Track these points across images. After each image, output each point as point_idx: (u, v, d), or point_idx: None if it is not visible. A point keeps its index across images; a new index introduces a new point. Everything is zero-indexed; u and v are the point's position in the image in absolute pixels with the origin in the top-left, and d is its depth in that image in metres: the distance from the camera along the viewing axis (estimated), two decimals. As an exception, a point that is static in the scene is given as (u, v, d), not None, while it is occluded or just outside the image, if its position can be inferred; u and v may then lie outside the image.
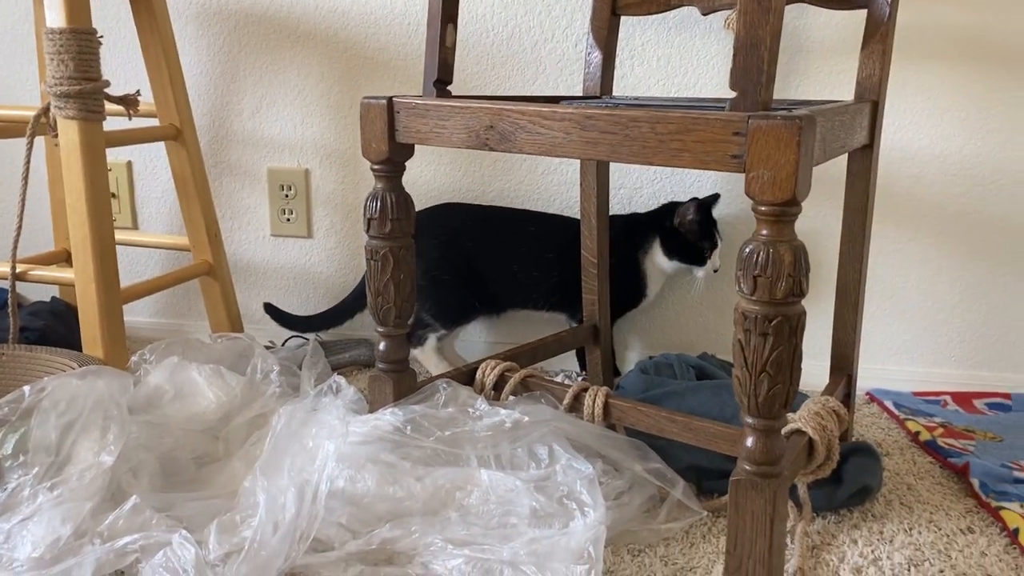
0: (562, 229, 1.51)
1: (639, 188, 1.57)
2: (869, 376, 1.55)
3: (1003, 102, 1.43)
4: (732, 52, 0.81)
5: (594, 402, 1.14)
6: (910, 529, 1.08)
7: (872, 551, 1.03)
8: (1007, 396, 1.51)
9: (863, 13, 1.14)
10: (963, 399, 1.51)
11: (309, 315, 1.63)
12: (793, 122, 0.76)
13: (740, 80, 0.81)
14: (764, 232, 0.79)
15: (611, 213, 1.46)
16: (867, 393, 1.54)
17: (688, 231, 1.43)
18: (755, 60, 0.80)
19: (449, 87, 1.09)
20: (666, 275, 1.51)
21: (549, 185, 1.59)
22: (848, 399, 1.25)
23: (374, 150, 1.05)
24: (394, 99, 1.03)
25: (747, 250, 0.80)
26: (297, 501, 0.98)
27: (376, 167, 1.06)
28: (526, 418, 1.06)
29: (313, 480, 1.01)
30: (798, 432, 1.02)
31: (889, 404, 1.48)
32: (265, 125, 1.67)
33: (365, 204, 1.07)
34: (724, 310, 1.59)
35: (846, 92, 1.45)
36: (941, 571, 0.99)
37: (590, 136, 0.88)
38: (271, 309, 1.62)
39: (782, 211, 0.78)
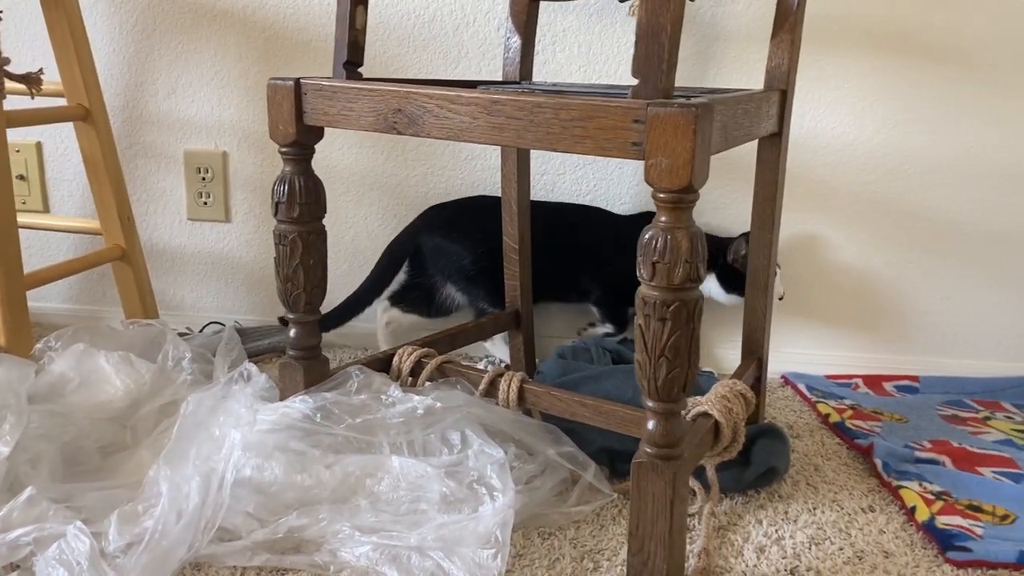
0: (602, 222, 1.52)
1: (562, 174, 1.58)
2: (784, 360, 1.59)
3: (912, 91, 1.47)
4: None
5: (509, 387, 1.14)
6: (814, 509, 1.11)
7: (776, 531, 1.06)
8: (915, 379, 1.56)
9: (774, 1, 1.16)
10: (874, 382, 1.56)
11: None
12: (690, 110, 0.76)
13: (641, 68, 0.82)
14: (663, 219, 0.80)
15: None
16: (782, 376, 1.58)
17: (743, 266, 1.39)
18: (656, 48, 0.80)
19: (360, 69, 1.07)
20: (720, 305, 1.49)
21: (473, 171, 1.59)
22: (759, 382, 1.28)
23: (281, 132, 1.03)
24: (301, 81, 1.01)
25: (646, 236, 0.81)
26: (202, 490, 0.97)
27: (284, 150, 1.04)
28: (439, 404, 1.06)
29: (219, 469, 0.99)
30: (704, 415, 1.04)
31: (802, 387, 1.51)
32: (181, 106, 1.63)
33: (273, 188, 1.05)
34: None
35: (763, 81, 1.47)
36: (841, 549, 1.02)
37: (496, 121, 0.88)
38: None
39: (679, 198, 0.79)
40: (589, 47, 1.51)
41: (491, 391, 1.16)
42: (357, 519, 0.98)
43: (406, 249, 1.53)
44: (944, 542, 1.02)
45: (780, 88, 1.15)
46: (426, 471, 1.01)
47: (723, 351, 1.60)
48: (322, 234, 1.08)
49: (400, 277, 1.55)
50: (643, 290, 0.82)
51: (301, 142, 1.03)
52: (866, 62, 1.47)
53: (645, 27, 0.80)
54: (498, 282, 1.46)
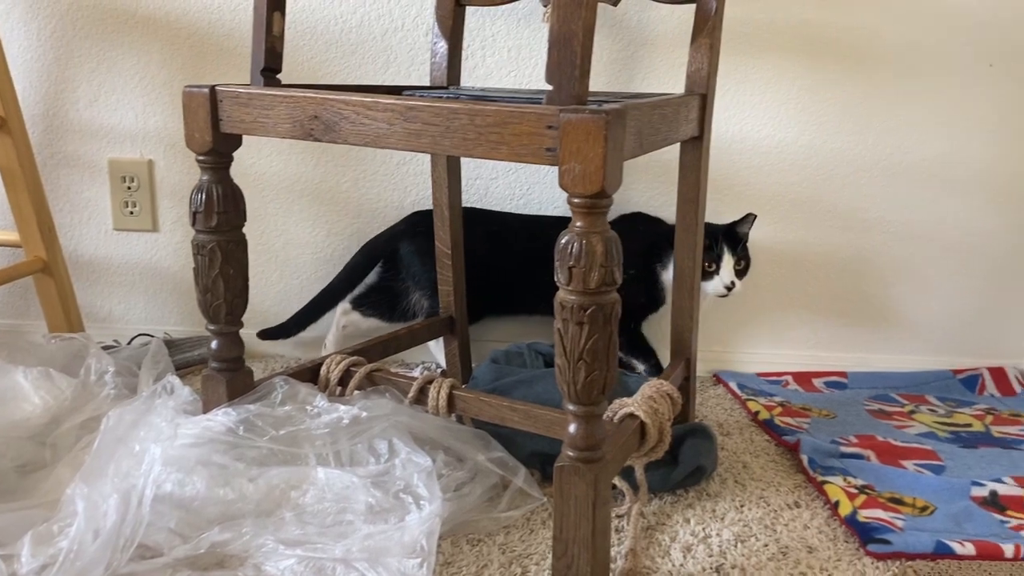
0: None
1: (495, 179, 1.58)
2: (716, 359, 1.61)
3: (834, 94, 1.51)
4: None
5: (438, 394, 1.14)
6: (741, 506, 1.13)
7: (703, 529, 1.07)
8: (844, 375, 1.60)
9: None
10: (803, 379, 1.59)
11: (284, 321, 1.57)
12: (600, 116, 0.77)
13: (555, 74, 0.82)
14: (578, 224, 0.81)
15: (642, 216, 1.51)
16: (714, 375, 1.60)
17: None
18: (568, 54, 0.81)
19: (285, 75, 1.06)
20: (717, 296, 1.47)
21: (405, 176, 1.58)
22: (688, 382, 1.29)
23: (198, 141, 1.01)
24: (217, 88, 1.00)
25: (562, 242, 0.81)
26: (120, 508, 0.94)
27: (201, 158, 1.02)
28: (364, 414, 1.05)
29: (139, 485, 0.97)
30: (631, 416, 1.05)
31: (733, 385, 1.53)
32: (104, 114, 1.59)
33: (191, 197, 1.03)
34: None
35: (689, 84, 1.49)
36: (766, 545, 1.04)
37: (413, 127, 0.88)
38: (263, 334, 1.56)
39: (593, 203, 0.80)
40: (519, 52, 1.52)
41: (421, 399, 1.15)
42: (282, 532, 0.96)
43: (384, 251, 1.53)
44: (864, 535, 1.04)
45: (700, 92, 1.16)
46: (352, 481, 1.00)
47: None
48: (242, 243, 1.06)
49: (368, 279, 1.55)
50: (560, 295, 0.83)
51: (218, 150, 1.02)
52: (790, 65, 1.50)
53: (557, 34, 0.81)
54: (472, 292, 1.47)
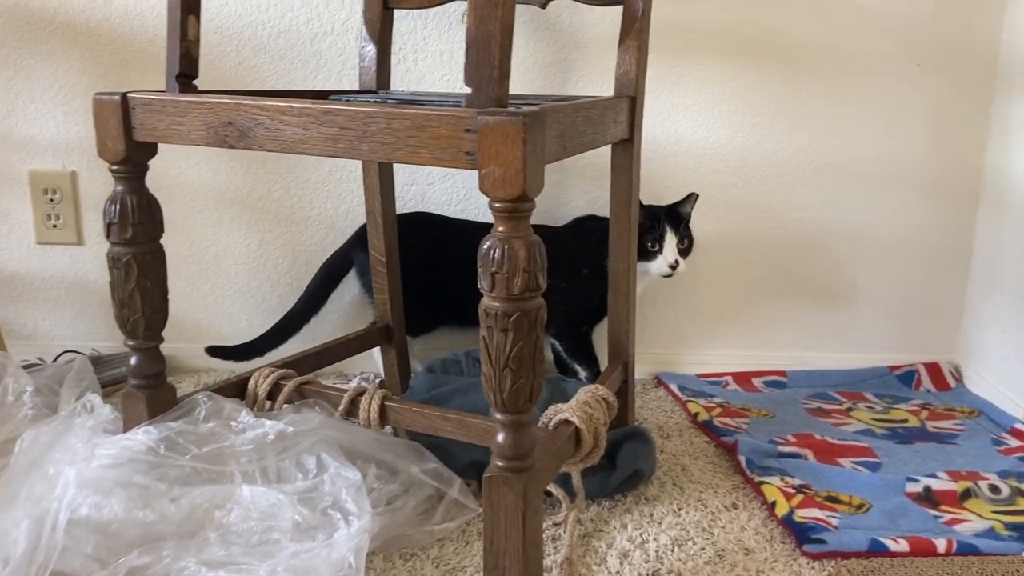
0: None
1: (431, 184, 1.55)
2: (657, 361, 1.61)
3: (767, 95, 1.51)
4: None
5: (369, 406, 1.11)
6: (679, 509, 1.12)
7: (640, 534, 1.06)
8: (783, 374, 1.60)
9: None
10: (743, 379, 1.59)
11: (252, 340, 1.48)
12: (518, 119, 0.75)
13: (473, 76, 0.80)
14: (500, 229, 0.79)
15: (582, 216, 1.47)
16: (655, 377, 1.60)
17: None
18: (486, 55, 0.79)
19: (209, 81, 1.03)
20: (660, 277, 1.44)
21: (338, 183, 1.55)
22: (626, 385, 1.28)
23: (110, 150, 0.97)
24: (128, 95, 0.96)
25: (484, 247, 0.79)
26: (32, 534, 0.90)
27: (114, 168, 0.99)
28: (291, 428, 1.02)
29: (52, 509, 0.93)
30: (565, 422, 1.04)
31: (674, 387, 1.53)
32: (23, 124, 1.53)
33: (104, 208, 0.99)
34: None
35: (622, 87, 1.48)
36: (703, 549, 1.03)
37: (330, 132, 0.85)
38: (216, 351, 1.46)
39: (514, 207, 0.78)
40: (451, 55, 1.50)
41: (352, 411, 1.12)
42: (205, 553, 0.93)
43: (342, 265, 1.49)
44: (800, 536, 1.04)
45: (629, 95, 1.16)
46: (278, 499, 0.97)
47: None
48: (159, 255, 1.02)
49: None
50: (485, 302, 0.81)
51: (132, 159, 0.98)
52: (722, 67, 1.50)
53: (474, 35, 0.79)
54: (424, 301, 1.44)
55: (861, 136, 1.53)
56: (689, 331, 1.62)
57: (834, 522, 1.07)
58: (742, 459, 1.23)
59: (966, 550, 1.01)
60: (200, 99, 0.92)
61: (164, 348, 1.58)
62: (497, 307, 0.79)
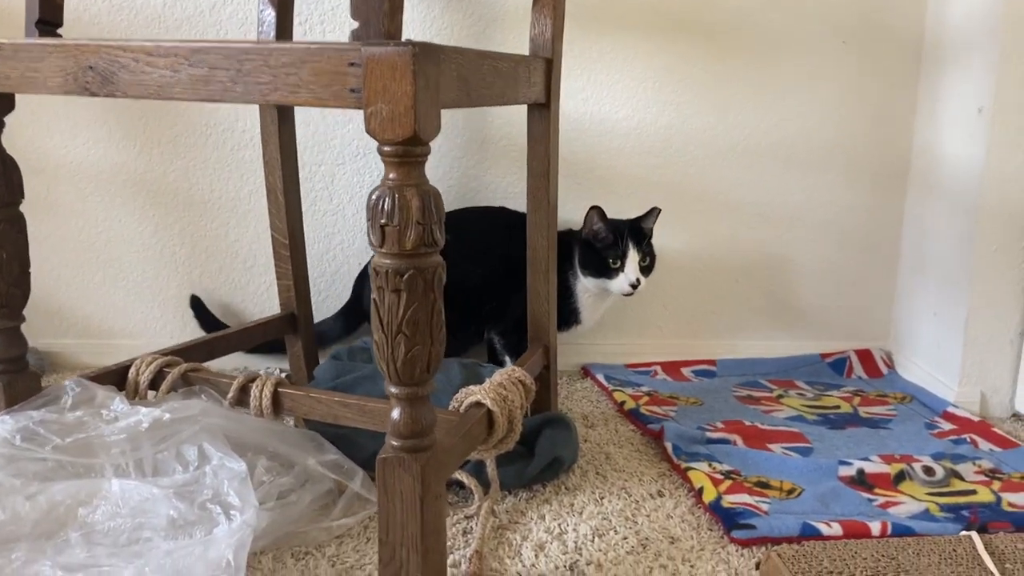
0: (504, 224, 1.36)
1: (341, 164, 1.46)
2: (584, 352, 1.54)
3: (692, 73, 1.46)
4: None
5: (261, 393, 1.01)
6: (601, 499, 1.04)
7: (559, 525, 0.98)
8: (712, 363, 1.55)
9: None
10: (672, 368, 1.53)
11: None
12: (407, 48, 0.67)
13: (361, 8, 0.72)
14: (391, 176, 0.70)
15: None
16: (582, 368, 1.52)
17: (596, 239, 1.30)
18: (375, -16, 0.71)
19: (60, 30, 0.92)
20: (595, 297, 1.36)
21: (240, 162, 1.44)
22: (548, 371, 1.20)
23: (-44, 102, 0.86)
24: (-25, 39, 0.85)
25: (373, 197, 0.71)
26: None
27: (-39, 123, 0.87)
28: (167, 416, 0.92)
29: None
30: (477, 404, 0.95)
31: (600, 377, 1.46)
32: None
33: (-51, 169, 0.88)
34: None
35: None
36: (625, 538, 0.95)
37: (200, 73, 0.76)
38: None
39: (406, 151, 0.69)
40: (362, 28, 1.41)
41: (243, 399, 1.02)
42: (64, 556, 0.82)
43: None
44: (728, 522, 0.97)
45: (544, 56, 1.09)
46: (152, 493, 0.86)
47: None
48: (18, 223, 0.91)
49: None
50: (375, 259, 0.72)
51: (-19, 113, 0.87)
52: (647, 44, 1.45)
53: (360, -39, 0.71)
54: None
55: (788, 115, 1.49)
56: (616, 321, 1.55)
57: (764, 507, 1.00)
58: (668, 445, 1.16)
59: (902, 532, 0.96)
60: (57, 42, 0.81)
61: (47, 344, 1.47)
62: (388, 264, 0.71)
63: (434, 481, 0.77)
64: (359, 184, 1.46)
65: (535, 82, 1.04)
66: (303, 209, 1.34)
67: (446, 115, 1.43)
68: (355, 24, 0.73)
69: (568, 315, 1.35)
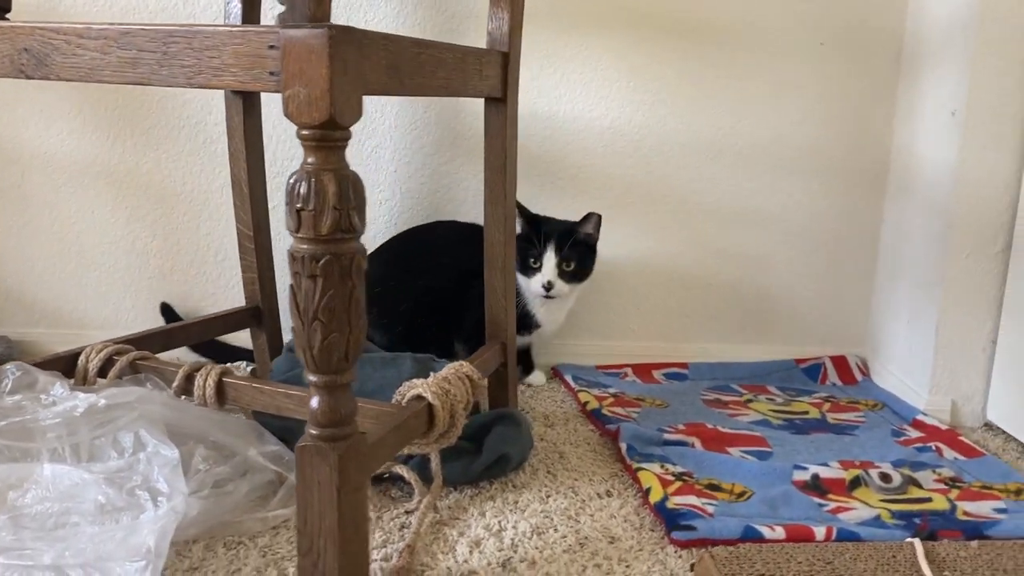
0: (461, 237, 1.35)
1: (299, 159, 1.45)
2: (557, 352, 1.52)
3: (667, 73, 1.45)
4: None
5: (205, 382, 1.01)
6: (547, 497, 1.03)
7: (499, 522, 0.96)
8: (684, 366, 1.53)
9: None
10: (643, 370, 1.51)
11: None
12: (323, 31, 0.67)
13: (287, -9, 0.72)
14: (308, 160, 0.70)
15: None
16: (552, 368, 1.51)
17: (519, 236, 1.27)
18: (300, -33, 0.70)
19: (8, 15, 0.92)
20: (543, 298, 1.33)
21: (212, 155, 1.44)
22: (505, 368, 1.19)
23: None
24: (-86, 21, 0.85)
25: (291, 182, 0.70)
26: None
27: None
28: (103, 402, 0.91)
29: None
30: (418, 398, 0.94)
31: (568, 378, 1.45)
32: None
33: None
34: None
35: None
36: (564, 536, 0.94)
37: (128, 56, 0.76)
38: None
39: (323, 135, 0.69)
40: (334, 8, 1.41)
41: (188, 388, 1.02)
42: (-11, 539, 0.81)
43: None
44: (670, 522, 0.95)
45: (501, 50, 1.08)
46: (83, 478, 0.86)
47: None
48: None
49: None
50: (292, 244, 0.71)
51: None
52: (622, 43, 1.44)
53: (285, -57, 0.70)
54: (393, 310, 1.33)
55: (764, 117, 1.47)
56: (588, 322, 1.53)
57: (710, 509, 0.99)
58: (623, 446, 1.14)
59: (847, 537, 0.94)
60: (-6, 24, 0.82)
61: (19, 333, 1.48)
62: (304, 250, 0.70)
63: (354, 471, 0.76)
64: (331, 179, 1.46)
65: (489, 75, 1.04)
66: (272, 202, 1.34)
67: (415, 111, 1.44)
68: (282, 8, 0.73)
69: (521, 317, 1.32)
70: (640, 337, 1.55)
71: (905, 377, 1.42)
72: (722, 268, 1.53)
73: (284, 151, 1.44)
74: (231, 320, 1.30)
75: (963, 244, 1.29)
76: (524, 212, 1.32)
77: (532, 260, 1.31)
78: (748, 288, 1.54)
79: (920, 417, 1.32)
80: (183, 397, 1.03)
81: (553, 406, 1.35)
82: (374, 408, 0.93)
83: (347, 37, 0.68)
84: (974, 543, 0.90)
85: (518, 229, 1.29)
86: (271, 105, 1.34)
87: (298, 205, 0.69)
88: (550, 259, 1.30)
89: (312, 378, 0.74)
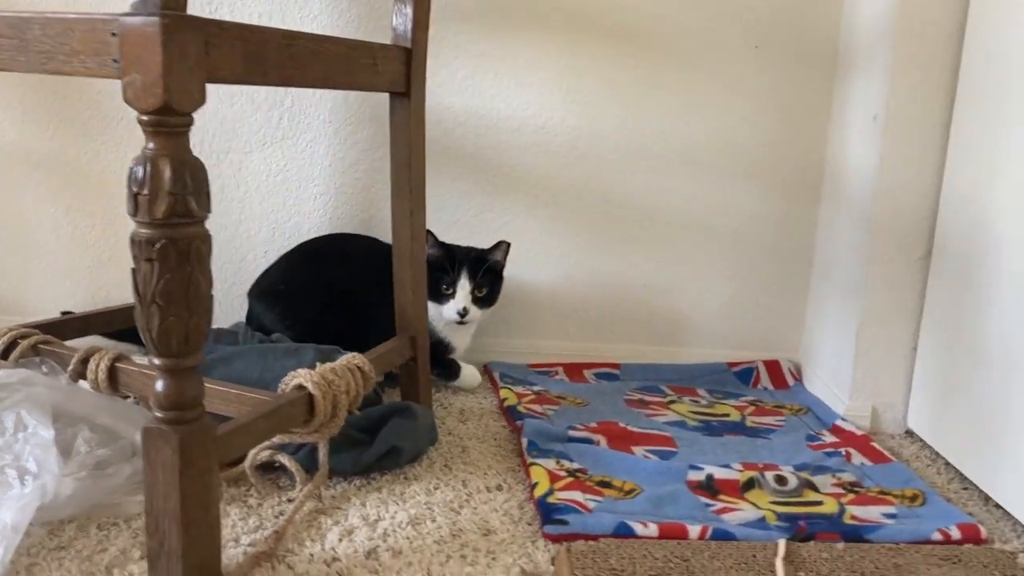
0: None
1: (248, 152, 1.48)
2: (490, 350, 1.53)
3: (601, 75, 1.45)
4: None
5: (97, 367, 1.02)
6: (434, 489, 1.04)
7: (378, 512, 0.97)
8: (616, 366, 1.53)
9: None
10: (574, 370, 1.52)
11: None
12: (155, 19, 0.68)
13: (138, -21, 0.73)
14: (148, 146, 0.71)
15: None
16: (484, 366, 1.52)
17: (430, 262, 1.27)
18: (149, -43, 0.72)
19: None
20: (456, 324, 1.35)
21: (151, 148, 1.46)
22: (415, 362, 1.20)
23: None
24: None
25: (131, 168, 0.71)
26: None
27: None
28: (-17, 382, 0.93)
29: None
30: (299, 387, 0.95)
31: (496, 375, 1.45)
32: None
33: None
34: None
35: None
36: (439, 527, 0.95)
37: (-10, 42, 0.77)
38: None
39: (160, 121, 0.70)
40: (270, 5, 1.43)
41: (83, 372, 1.03)
42: None
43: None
44: (545, 516, 0.96)
45: (403, 46, 1.09)
46: (-47, 456, 0.88)
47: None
48: None
49: None
50: (133, 228, 0.73)
51: None
52: (556, 43, 1.44)
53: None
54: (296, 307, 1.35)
55: (700, 120, 1.47)
56: (522, 320, 1.54)
57: (591, 505, 0.99)
58: (524, 441, 1.15)
59: (721, 537, 0.94)
60: None
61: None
62: (142, 234, 0.72)
63: (200, 455, 0.77)
64: (266, 173, 1.48)
65: (385, 70, 1.05)
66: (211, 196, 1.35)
67: (350, 106, 1.45)
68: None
69: (435, 345, 1.33)
70: (575, 337, 1.55)
71: (831, 383, 1.41)
72: (659, 270, 1.53)
73: (220, 144, 1.46)
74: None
75: (884, 251, 1.29)
76: (434, 240, 1.34)
77: (445, 287, 1.33)
78: (683, 291, 1.54)
79: (839, 423, 1.31)
80: (80, 382, 1.05)
81: (473, 402, 1.35)
82: (250, 395, 0.94)
83: (185, 25, 0.70)
84: (840, 545, 0.90)
85: (429, 254, 1.29)
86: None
87: (135, 189, 0.71)
88: (464, 285, 1.33)
89: (156, 361, 0.75)
